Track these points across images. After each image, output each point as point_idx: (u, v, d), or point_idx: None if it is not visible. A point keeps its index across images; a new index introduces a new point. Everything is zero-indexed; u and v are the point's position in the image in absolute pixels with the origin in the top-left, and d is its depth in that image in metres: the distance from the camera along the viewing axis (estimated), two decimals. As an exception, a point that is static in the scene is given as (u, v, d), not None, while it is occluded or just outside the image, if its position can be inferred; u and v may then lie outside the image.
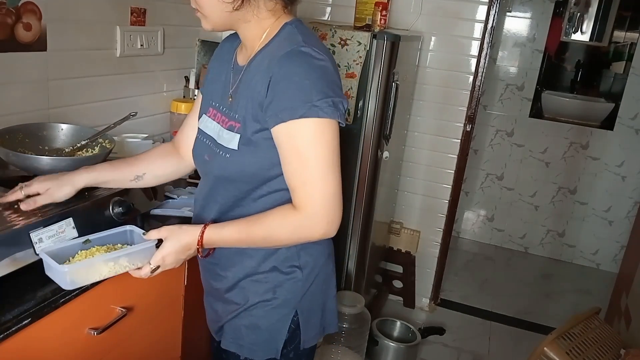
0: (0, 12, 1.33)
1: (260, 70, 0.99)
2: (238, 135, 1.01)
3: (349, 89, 2.08)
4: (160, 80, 2.03)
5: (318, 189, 0.95)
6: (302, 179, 0.96)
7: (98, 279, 1.00)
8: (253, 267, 1.09)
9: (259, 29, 1.02)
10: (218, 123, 1.07)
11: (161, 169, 1.23)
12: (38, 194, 1.09)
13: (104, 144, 1.41)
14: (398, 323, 2.53)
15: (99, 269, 0.98)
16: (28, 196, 1.09)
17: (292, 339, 1.12)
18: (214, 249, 1.11)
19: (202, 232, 1.01)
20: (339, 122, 0.99)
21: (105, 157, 1.33)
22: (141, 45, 1.85)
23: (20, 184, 1.10)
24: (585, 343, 1.96)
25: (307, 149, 0.95)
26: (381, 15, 2.20)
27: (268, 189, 1.04)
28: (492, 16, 2.56)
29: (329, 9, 2.69)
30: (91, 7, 1.62)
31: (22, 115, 1.44)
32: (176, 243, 1.02)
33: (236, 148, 1.02)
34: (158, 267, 1.02)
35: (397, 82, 2.15)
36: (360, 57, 2.04)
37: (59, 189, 1.10)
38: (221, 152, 1.04)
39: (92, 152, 1.38)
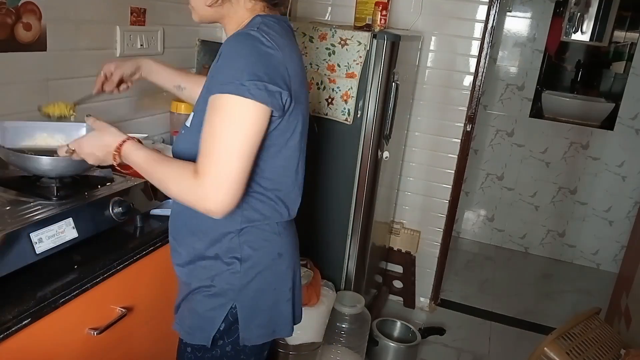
0: (0, 12, 1.33)
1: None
2: (192, 113, 1.08)
3: (349, 89, 2.08)
4: (160, 80, 2.03)
5: (215, 166, 0.95)
6: (206, 150, 0.96)
7: (32, 145, 1.12)
8: (200, 251, 1.11)
9: (237, 25, 1.07)
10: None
11: (197, 92, 1.25)
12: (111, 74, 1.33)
13: None
14: (398, 323, 2.54)
15: (33, 134, 1.12)
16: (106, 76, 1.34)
17: (229, 332, 1.13)
18: (130, 167, 1.12)
19: (124, 141, 1.06)
20: (272, 113, 0.98)
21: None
22: (141, 45, 1.85)
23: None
24: (586, 343, 1.97)
25: (222, 123, 0.95)
26: (381, 15, 2.20)
27: None
28: (492, 16, 2.56)
29: (329, 9, 2.69)
30: (91, 7, 1.62)
31: (22, 115, 1.43)
32: (98, 136, 1.09)
33: (189, 125, 1.08)
34: (74, 151, 1.10)
35: (397, 82, 2.15)
36: (360, 57, 2.04)
37: (123, 62, 1.34)
38: (181, 130, 1.12)
39: None
